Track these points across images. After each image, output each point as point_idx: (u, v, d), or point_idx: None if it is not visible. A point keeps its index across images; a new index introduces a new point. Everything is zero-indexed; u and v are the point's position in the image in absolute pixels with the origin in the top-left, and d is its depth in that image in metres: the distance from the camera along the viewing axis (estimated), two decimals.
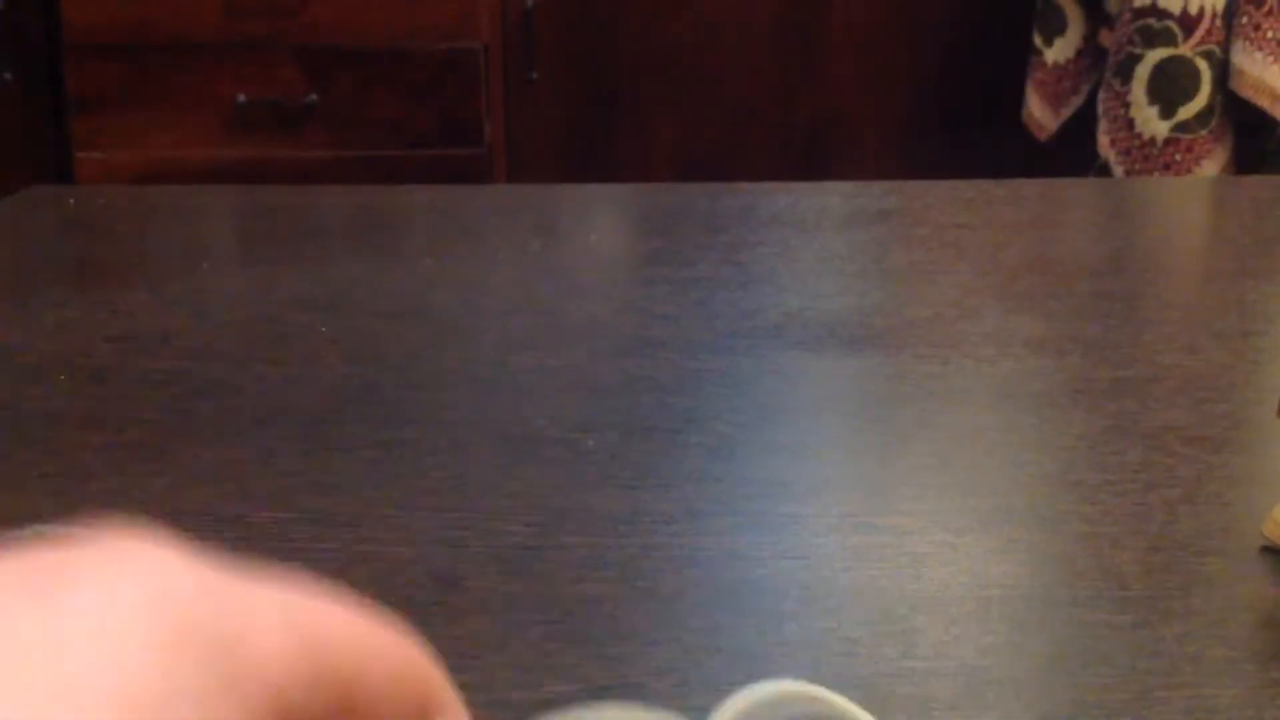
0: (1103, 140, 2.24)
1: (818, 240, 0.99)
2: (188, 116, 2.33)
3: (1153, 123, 2.19)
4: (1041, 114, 2.35)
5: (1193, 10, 2.15)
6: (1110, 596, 0.49)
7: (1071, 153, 2.31)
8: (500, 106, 2.42)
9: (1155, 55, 2.17)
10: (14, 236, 1.04)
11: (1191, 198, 1.26)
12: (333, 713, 0.19)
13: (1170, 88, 2.17)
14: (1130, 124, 2.20)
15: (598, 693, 0.43)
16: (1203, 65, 2.17)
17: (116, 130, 2.33)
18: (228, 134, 2.33)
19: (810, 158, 2.51)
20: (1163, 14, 2.16)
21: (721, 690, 0.44)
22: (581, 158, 2.52)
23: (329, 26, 2.31)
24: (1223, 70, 2.18)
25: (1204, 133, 2.18)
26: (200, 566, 0.18)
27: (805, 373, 0.73)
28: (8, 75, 2.33)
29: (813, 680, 0.44)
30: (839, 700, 0.18)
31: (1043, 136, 2.36)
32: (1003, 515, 0.55)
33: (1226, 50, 2.18)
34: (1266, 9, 2.14)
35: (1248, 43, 2.15)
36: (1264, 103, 2.17)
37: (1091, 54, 2.31)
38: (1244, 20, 2.15)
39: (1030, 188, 1.17)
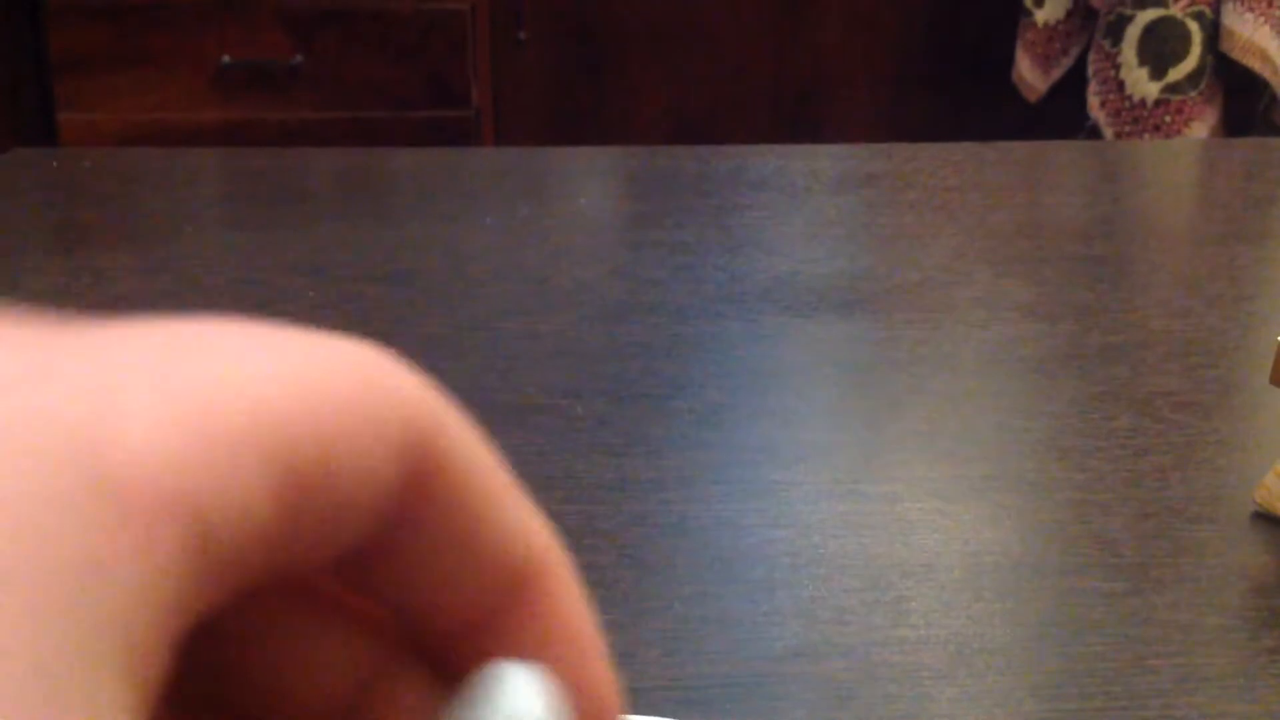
0: (1093, 102, 2.23)
1: (807, 204, 0.99)
2: (172, 77, 2.31)
3: (1143, 84, 2.18)
4: (1031, 75, 2.34)
5: None
6: (1101, 564, 0.49)
7: (1061, 114, 2.30)
8: (487, 68, 2.40)
9: (1146, 16, 2.16)
10: None
11: (1182, 160, 1.25)
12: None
13: (1160, 49, 2.16)
14: (1120, 85, 2.20)
15: None
16: (1193, 26, 2.16)
17: (100, 91, 2.31)
18: (212, 95, 2.32)
19: (800, 120, 2.50)
20: None
21: (711, 658, 0.44)
22: (570, 120, 2.51)
23: None
24: (1213, 31, 2.17)
25: (1194, 94, 2.18)
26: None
27: (794, 338, 0.72)
28: None
29: (810, 647, 0.44)
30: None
31: (1032, 98, 2.35)
32: (993, 482, 0.55)
33: (1217, 11, 2.17)
34: None
35: (1238, 4, 2.14)
36: (1254, 64, 2.16)
37: (1081, 15, 2.30)
38: None
39: (1020, 150, 1.17)
